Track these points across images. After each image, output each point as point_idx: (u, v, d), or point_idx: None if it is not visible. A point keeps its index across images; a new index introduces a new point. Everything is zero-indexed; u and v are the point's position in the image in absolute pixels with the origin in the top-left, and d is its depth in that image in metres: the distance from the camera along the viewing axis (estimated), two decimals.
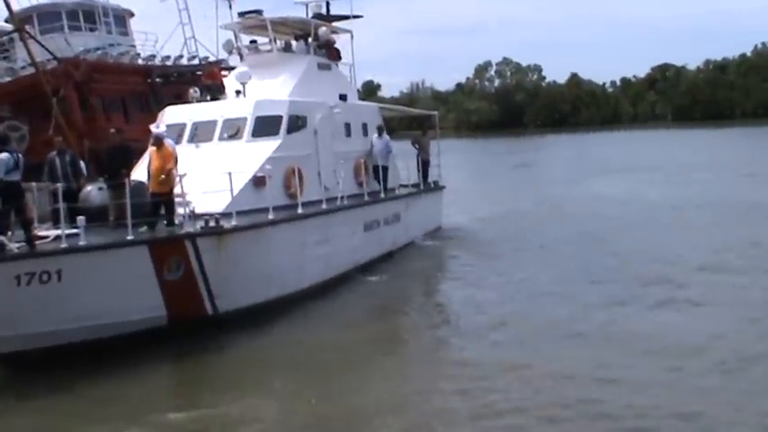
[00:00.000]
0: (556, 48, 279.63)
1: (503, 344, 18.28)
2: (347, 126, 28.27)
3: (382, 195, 28.64)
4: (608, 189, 49.36)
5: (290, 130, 24.52)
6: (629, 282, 23.39)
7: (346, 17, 33.42)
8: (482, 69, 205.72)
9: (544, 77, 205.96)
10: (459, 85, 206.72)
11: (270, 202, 21.49)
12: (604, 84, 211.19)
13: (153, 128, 21.00)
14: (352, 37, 32.11)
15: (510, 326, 19.57)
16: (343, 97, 29.13)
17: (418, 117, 37.02)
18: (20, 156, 17.99)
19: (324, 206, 24.58)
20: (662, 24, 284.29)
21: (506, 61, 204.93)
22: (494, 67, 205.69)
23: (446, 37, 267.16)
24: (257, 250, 20.52)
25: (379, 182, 28.88)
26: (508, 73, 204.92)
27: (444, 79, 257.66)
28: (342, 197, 25.62)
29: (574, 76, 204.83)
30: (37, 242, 17.63)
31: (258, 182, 22.17)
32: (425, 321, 21.46)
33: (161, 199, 19.69)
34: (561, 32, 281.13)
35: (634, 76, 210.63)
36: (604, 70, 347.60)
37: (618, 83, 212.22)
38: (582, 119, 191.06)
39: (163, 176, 19.66)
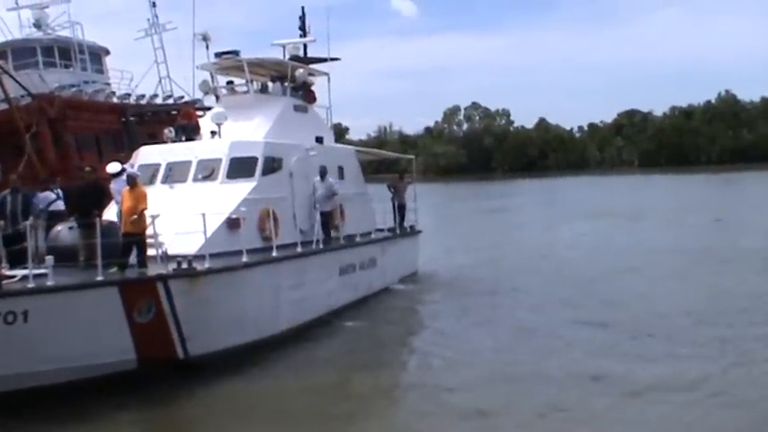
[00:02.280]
0: (523, 92, 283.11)
1: (477, 390, 17.96)
2: (323, 168, 27.96)
3: (315, 246, 25.19)
4: (578, 233, 49.97)
5: (265, 172, 24.31)
6: (605, 327, 23.49)
7: (324, 60, 33.32)
8: (451, 113, 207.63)
9: (512, 122, 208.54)
10: (427, 129, 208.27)
11: (244, 244, 21.13)
12: (572, 129, 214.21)
13: (127, 167, 20.71)
14: (329, 79, 32.07)
15: (486, 374, 19.23)
16: (319, 140, 29.01)
17: (386, 161, 36.68)
18: None
19: (299, 249, 24.21)
20: (628, 70, 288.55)
21: (475, 106, 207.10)
22: (462, 112, 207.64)
23: (412, 80, 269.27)
24: (231, 293, 20.14)
25: (324, 230, 26.31)
26: (477, 117, 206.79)
27: (411, 123, 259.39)
28: (317, 240, 25.28)
29: (542, 121, 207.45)
30: (3, 282, 17.20)
31: (232, 224, 21.85)
32: (400, 369, 21.17)
33: (133, 240, 19.28)
34: (529, 77, 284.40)
35: (601, 122, 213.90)
36: (572, 115, 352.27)
37: (585, 128, 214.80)
38: (550, 163, 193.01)
39: (135, 217, 19.30)
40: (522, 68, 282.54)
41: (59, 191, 23.23)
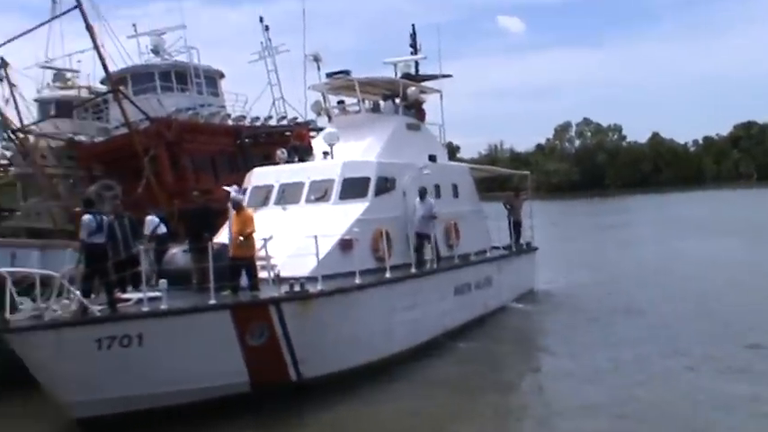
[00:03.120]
0: (635, 106, 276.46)
1: (596, 416, 17.36)
2: (437, 187, 27.67)
3: (414, 270, 24.17)
4: (697, 250, 48.03)
5: (378, 192, 24.16)
6: (737, 353, 22.12)
7: (435, 77, 32.98)
8: (562, 130, 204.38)
9: (624, 137, 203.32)
10: (539, 146, 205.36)
11: (357, 265, 21.01)
12: (686, 143, 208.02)
13: (232, 191, 20.75)
14: (441, 97, 31.68)
15: (608, 404, 18.34)
16: (432, 158, 28.66)
17: (498, 178, 35.93)
18: (104, 217, 17.91)
19: (413, 270, 23.94)
20: (744, 81, 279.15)
21: (586, 122, 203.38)
22: (574, 128, 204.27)
23: (522, 98, 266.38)
24: (344, 315, 20.01)
25: (419, 253, 25.10)
26: (588, 133, 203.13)
27: (522, 140, 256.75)
28: (432, 260, 24.94)
29: (655, 136, 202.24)
30: (119, 305, 17.45)
31: (345, 245, 21.74)
32: (517, 392, 20.65)
33: (241, 263, 19.26)
34: (640, 91, 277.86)
35: (717, 135, 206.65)
36: (686, 129, 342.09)
37: (700, 141, 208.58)
38: (664, 178, 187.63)
39: (241, 240, 19.31)
40: (632, 82, 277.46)
41: (161, 215, 23.38)
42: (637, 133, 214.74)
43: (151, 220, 22.67)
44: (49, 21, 35.30)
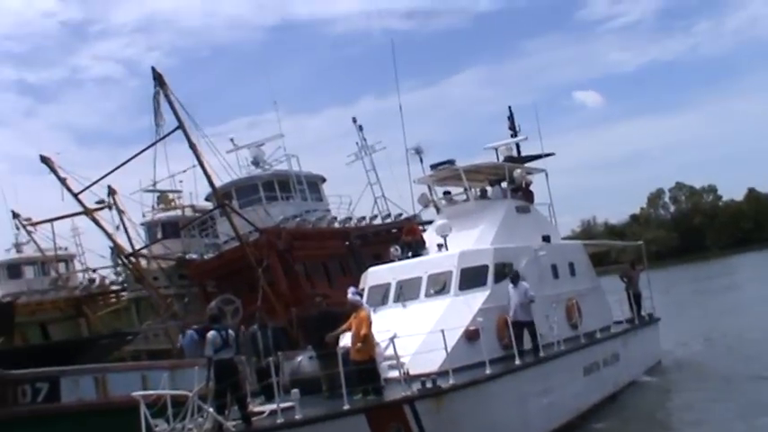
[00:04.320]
0: (727, 165, 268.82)
1: None
2: (554, 267, 27.25)
3: (530, 359, 22.87)
4: None
5: (497, 279, 23.77)
6: None
7: (538, 156, 32.77)
8: (655, 197, 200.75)
9: (720, 197, 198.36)
10: (632, 217, 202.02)
11: (485, 355, 20.53)
12: None
13: (349, 293, 20.62)
14: (546, 176, 31.52)
15: None
16: (546, 238, 28.27)
17: (597, 252, 34.86)
18: (229, 332, 17.85)
19: (541, 354, 23.37)
20: None
21: (679, 186, 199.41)
22: (667, 194, 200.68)
23: (608, 171, 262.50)
24: (478, 407, 19.51)
25: (519, 341, 22.73)
26: (683, 197, 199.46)
27: (614, 213, 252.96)
28: (558, 342, 24.37)
29: (751, 191, 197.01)
30: (253, 418, 17.32)
31: (471, 335, 21.36)
32: None
33: (360, 367, 18.92)
34: (730, 148, 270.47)
35: None
36: None
37: None
38: (766, 235, 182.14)
39: (359, 344, 19.11)
40: (720, 140, 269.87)
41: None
42: (732, 191, 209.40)
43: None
44: (153, 144, 36.11)
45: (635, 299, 33.22)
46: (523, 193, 29.77)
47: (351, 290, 21.51)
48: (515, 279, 23.92)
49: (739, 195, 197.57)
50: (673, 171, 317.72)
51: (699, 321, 45.55)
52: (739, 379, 27.99)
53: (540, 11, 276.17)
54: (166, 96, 35.03)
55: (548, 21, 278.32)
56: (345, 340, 21.04)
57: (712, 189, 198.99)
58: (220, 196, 36.75)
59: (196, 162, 35.66)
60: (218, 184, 37.25)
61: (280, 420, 16.81)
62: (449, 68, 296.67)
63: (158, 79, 35.10)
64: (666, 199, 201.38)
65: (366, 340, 19.14)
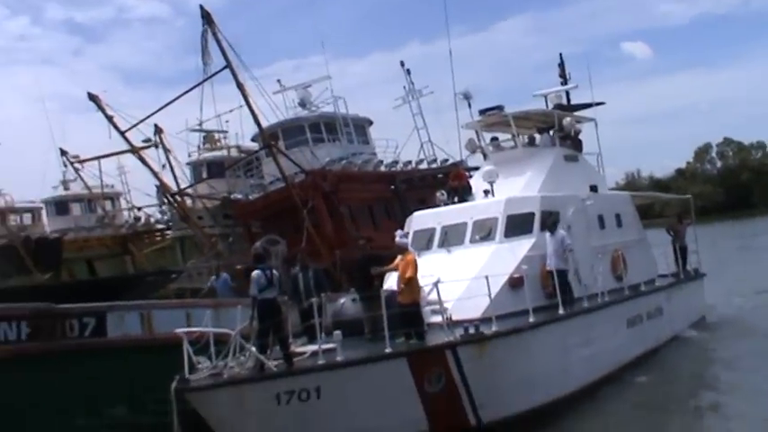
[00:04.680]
0: None
1: None
2: (600, 218, 26.92)
3: (561, 312, 21.67)
4: None
5: (543, 227, 23.42)
6: None
7: (588, 105, 32.22)
8: (702, 152, 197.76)
9: None
10: (678, 171, 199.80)
11: (528, 303, 20.31)
12: None
13: (397, 236, 20.48)
14: (596, 125, 30.99)
15: None
16: (593, 188, 27.97)
17: (642, 205, 34.21)
18: (273, 272, 17.83)
19: (585, 304, 23.14)
20: None
21: (727, 141, 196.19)
22: (714, 149, 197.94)
23: (655, 124, 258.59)
24: (520, 356, 19.40)
25: (556, 293, 21.98)
26: (730, 153, 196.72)
27: (659, 167, 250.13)
28: (602, 293, 24.13)
29: None
30: (295, 359, 17.38)
31: (515, 283, 21.16)
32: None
33: (404, 310, 18.78)
34: None
35: None
36: None
37: None
38: None
39: (404, 287, 19.01)
40: None
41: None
42: None
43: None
44: (201, 83, 36.09)
45: (681, 253, 32.80)
46: (572, 142, 29.31)
47: (398, 233, 21.33)
48: (553, 227, 23.20)
49: None
50: (721, 127, 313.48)
51: (744, 278, 44.84)
52: None
53: None
54: (214, 35, 34.93)
55: None
56: (390, 282, 21.04)
57: (761, 146, 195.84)
58: (267, 137, 36.70)
59: (243, 102, 35.70)
60: (264, 125, 37.19)
61: (321, 362, 16.83)
62: (496, 14, 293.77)
63: (206, 18, 35.00)
64: (713, 154, 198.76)
65: (411, 283, 19.00)
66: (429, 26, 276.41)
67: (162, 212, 51.47)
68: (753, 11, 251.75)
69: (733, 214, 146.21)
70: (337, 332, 17.24)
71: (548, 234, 23.24)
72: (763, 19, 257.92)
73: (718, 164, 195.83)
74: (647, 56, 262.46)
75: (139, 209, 53.26)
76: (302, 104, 41.80)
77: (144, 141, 41.04)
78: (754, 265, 53.97)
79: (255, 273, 17.54)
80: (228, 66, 34.42)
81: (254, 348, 16.82)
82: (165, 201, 43.94)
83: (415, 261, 19.46)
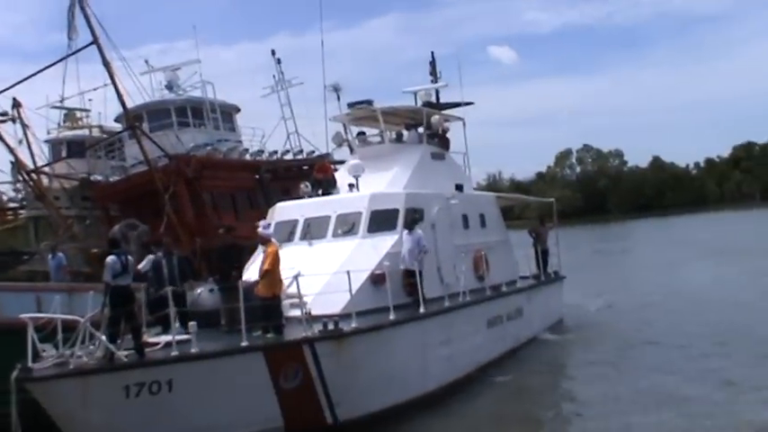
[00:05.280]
0: (634, 132, 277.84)
1: None
2: (465, 217, 27.03)
3: (422, 310, 21.48)
4: (715, 274, 46.59)
5: (407, 224, 23.22)
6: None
7: (458, 104, 32.42)
8: (562, 157, 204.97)
9: (626, 162, 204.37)
10: (539, 175, 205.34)
11: (389, 300, 20.11)
12: (687, 165, 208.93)
13: (260, 227, 20.02)
14: (464, 124, 31.18)
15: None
16: (459, 187, 28.06)
17: (502, 207, 34.67)
18: (128, 258, 17.20)
19: (446, 303, 23.09)
20: (738, 103, 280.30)
21: (586, 148, 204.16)
22: (574, 155, 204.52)
23: (518, 128, 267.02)
24: (379, 353, 19.22)
25: (409, 292, 22.13)
26: (589, 160, 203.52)
27: (520, 170, 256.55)
28: (464, 293, 24.12)
29: (656, 160, 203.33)
30: (147, 350, 16.79)
31: (377, 279, 20.97)
32: (554, 428, 19.91)
33: (263, 303, 18.37)
34: (639, 116, 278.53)
35: (718, 156, 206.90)
36: (686, 152, 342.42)
37: (701, 164, 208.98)
38: (667, 202, 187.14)
39: (263, 279, 18.60)
40: (630, 108, 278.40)
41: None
42: (638, 158, 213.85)
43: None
44: (65, 57, 34.89)
45: (542, 255, 33.35)
46: (440, 140, 29.35)
47: (262, 223, 20.84)
48: (412, 225, 23.00)
49: (644, 162, 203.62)
50: (580, 134, 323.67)
51: (599, 282, 46.11)
52: (633, 339, 28.57)
53: None
54: (83, 9, 33.72)
55: None
56: (250, 273, 20.57)
57: (618, 154, 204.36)
58: (131, 118, 35.63)
59: (108, 81, 34.59)
60: (129, 106, 36.16)
61: (174, 353, 16.27)
62: (366, 12, 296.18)
63: None
64: (573, 160, 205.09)
65: (270, 276, 18.55)
66: (298, 18, 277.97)
67: (16, 190, 49.62)
68: (615, 24, 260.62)
69: (589, 219, 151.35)
70: (192, 323, 16.69)
71: (405, 232, 23.02)
72: (623, 33, 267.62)
73: (578, 169, 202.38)
74: (514, 61, 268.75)
75: None
76: (169, 87, 40.78)
77: (0, 115, 39.45)
78: (605, 269, 56.25)
79: (110, 258, 16.87)
80: (96, 42, 33.28)
81: (104, 337, 16.11)
82: (21, 178, 42.30)
83: (277, 253, 19.02)
